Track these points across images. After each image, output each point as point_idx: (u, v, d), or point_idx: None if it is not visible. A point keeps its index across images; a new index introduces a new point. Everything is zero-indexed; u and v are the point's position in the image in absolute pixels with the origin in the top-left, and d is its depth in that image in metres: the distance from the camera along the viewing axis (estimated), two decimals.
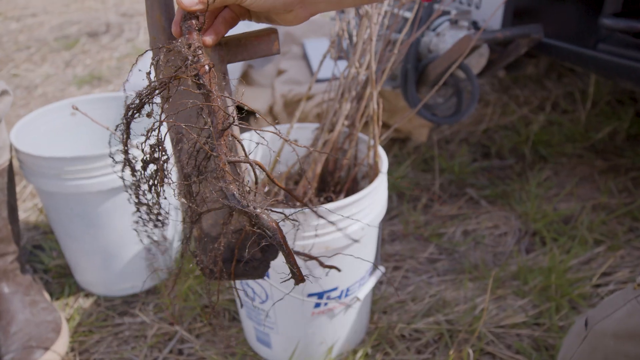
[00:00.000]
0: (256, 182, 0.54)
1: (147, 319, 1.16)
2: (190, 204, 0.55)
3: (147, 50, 0.56)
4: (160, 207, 0.61)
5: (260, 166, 0.53)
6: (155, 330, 1.13)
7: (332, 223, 0.61)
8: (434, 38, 1.27)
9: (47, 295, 1.18)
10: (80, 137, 1.31)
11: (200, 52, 0.52)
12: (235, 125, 0.52)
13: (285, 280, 0.56)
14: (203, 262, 0.62)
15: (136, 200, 0.62)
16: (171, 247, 1.27)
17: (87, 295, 1.24)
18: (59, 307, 1.20)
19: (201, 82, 0.51)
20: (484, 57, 1.26)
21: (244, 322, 1.07)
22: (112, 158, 0.62)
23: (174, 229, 1.27)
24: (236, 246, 0.60)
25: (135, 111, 0.54)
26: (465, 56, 1.13)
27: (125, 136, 0.57)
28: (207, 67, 0.51)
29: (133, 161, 0.59)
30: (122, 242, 1.16)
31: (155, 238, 0.70)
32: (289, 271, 0.53)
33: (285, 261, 0.53)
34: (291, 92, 1.72)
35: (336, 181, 1.01)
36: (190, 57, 0.51)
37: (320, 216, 0.60)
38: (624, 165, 1.63)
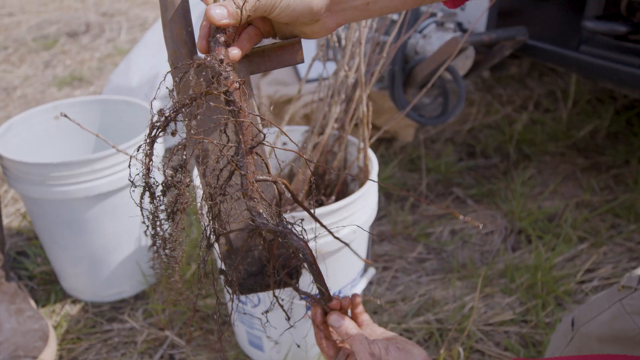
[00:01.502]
0: (280, 200, 0.53)
1: (137, 325, 1.15)
2: (214, 225, 0.52)
3: (168, 72, 0.54)
4: (175, 241, 0.54)
5: (286, 186, 0.51)
6: (145, 336, 1.12)
7: (329, 231, 0.60)
8: (421, 40, 1.28)
9: (33, 303, 1.15)
10: (64, 141, 1.28)
11: (229, 68, 0.51)
12: (263, 143, 0.51)
13: (314, 301, 0.55)
14: (232, 278, 0.58)
15: (153, 232, 0.55)
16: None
17: (74, 301, 1.22)
18: (46, 314, 1.18)
19: (231, 98, 0.50)
20: (469, 58, 1.27)
21: (235, 327, 1.06)
22: (132, 182, 0.55)
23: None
24: (270, 258, 0.57)
25: (159, 130, 0.51)
26: (452, 58, 1.14)
27: (148, 158, 0.53)
28: (237, 84, 0.51)
29: (154, 186, 0.54)
30: (110, 248, 1.15)
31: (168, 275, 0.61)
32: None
33: (313, 280, 0.52)
34: (277, 93, 1.72)
35: (326, 184, 1.02)
36: (223, 73, 0.50)
37: (338, 239, 0.58)
38: (605, 163, 1.67)
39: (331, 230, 0.57)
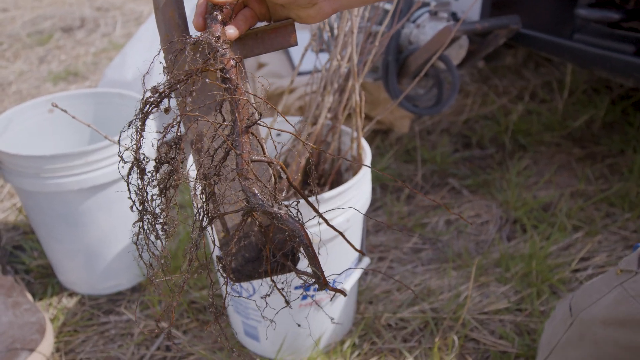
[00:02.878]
0: (275, 183, 0.53)
1: (133, 317, 1.15)
2: (207, 206, 0.52)
3: (162, 48, 0.54)
4: (167, 215, 0.55)
5: (282, 168, 0.51)
6: (142, 327, 1.12)
7: (323, 217, 0.60)
8: (414, 30, 1.28)
9: (29, 296, 1.16)
10: (59, 134, 1.28)
11: (226, 45, 0.51)
12: (259, 123, 0.50)
13: (309, 285, 0.55)
14: (229, 265, 0.58)
15: (140, 208, 0.55)
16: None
17: (71, 294, 1.23)
18: (43, 307, 1.19)
19: (227, 76, 0.50)
20: (463, 48, 1.27)
21: (231, 317, 1.07)
22: (121, 158, 0.55)
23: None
24: (267, 245, 0.56)
25: (153, 106, 0.51)
26: (445, 47, 1.14)
27: (139, 134, 0.53)
28: (233, 62, 0.50)
29: (144, 162, 0.54)
30: (105, 240, 1.15)
31: (157, 252, 0.61)
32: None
33: (309, 264, 0.52)
34: (272, 86, 1.71)
35: (320, 174, 1.02)
36: (220, 49, 0.50)
37: (330, 225, 0.58)
38: (601, 153, 1.67)
39: (325, 217, 0.57)
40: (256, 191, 0.49)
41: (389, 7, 1.24)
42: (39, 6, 3.41)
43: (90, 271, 1.18)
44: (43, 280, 1.26)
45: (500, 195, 1.49)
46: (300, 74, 1.74)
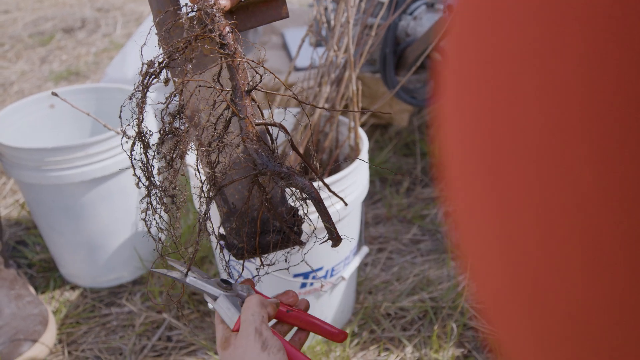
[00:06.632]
0: (275, 148, 0.53)
1: (135, 308, 1.16)
2: (214, 174, 0.52)
3: (158, 18, 0.54)
4: (176, 187, 0.54)
5: (285, 130, 0.52)
6: (143, 319, 1.13)
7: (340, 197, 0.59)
8: (411, 22, 1.28)
9: (32, 289, 1.17)
10: (60, 129, 1.30)
11: (220, 13, 0.52)
12: (258, 89, 0.51)
13: (323, 242, 0.55)
14: (232, 241, 0.57)
15: (147, 183, 0.54)
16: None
17: (73, 287, 1.24)
18: (45, 300, 1.20)
19: (225, 41, 0.51)
20: None
21: None
22: (124, 133, 0.53)
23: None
24: (259, 218, 0.55)
25: (153, 77, 0.51)
26: (440, 38, 1.15)
27: (141, 106, 0.52)
28: (228, 27, 0.51)
29: (147, 135, 0.53)
30: (106, 233, 1.16)
31: (165, 227, 0.58)
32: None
33: (321, 220, 0.53)
34: (272, 81, 1.72)
35: (318, 163, 1.03)
36: (217, 15, 0.51)
37: (330, 190, 0.58)
38: None
39: (327, 184, 0.57)
40: (262, 153, 0.49)
41: None
42: (40, 7, 3.43)
43: (91, 264, 1.19)
44: (45, 274, 1.28)
45: None
46: (299, 69, 1.75)
